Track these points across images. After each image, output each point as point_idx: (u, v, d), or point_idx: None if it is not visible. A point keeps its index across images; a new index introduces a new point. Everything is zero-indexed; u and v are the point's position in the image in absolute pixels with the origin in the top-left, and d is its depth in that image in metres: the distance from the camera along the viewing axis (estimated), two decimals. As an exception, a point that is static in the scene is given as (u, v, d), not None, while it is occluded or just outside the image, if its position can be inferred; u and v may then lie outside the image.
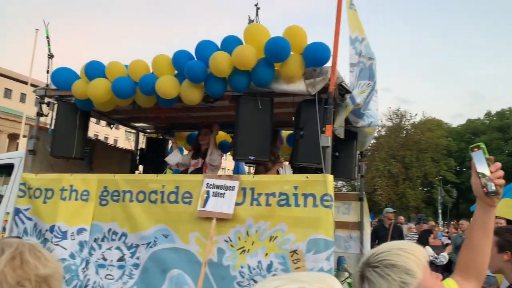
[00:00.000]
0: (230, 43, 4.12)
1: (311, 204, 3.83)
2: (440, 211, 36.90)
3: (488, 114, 59.69)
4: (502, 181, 1.48)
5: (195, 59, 4.27)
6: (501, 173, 1.49)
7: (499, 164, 1.50)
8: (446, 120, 66.65)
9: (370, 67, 4.43)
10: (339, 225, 5.46)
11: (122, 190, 4.54)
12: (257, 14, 5.05)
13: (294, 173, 5.11)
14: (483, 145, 1.54)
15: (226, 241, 4.04)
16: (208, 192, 4.18)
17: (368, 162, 41.03)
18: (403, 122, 45.10)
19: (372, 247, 9.62)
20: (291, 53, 3.98)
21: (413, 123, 46.25)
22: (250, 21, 5.23)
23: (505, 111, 57.73)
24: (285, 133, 6.34)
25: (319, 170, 4.01)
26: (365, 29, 4.58)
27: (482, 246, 1.57)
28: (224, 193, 4.12)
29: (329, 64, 3.99)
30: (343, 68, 4.31)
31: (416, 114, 51.74)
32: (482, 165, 1.50)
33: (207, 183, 4.21)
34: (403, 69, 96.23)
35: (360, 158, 5.94)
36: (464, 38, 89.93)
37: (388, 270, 1.25)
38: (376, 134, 45.90)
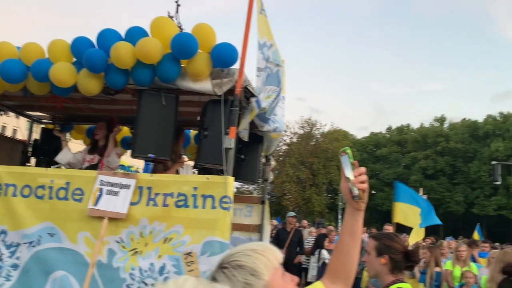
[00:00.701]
0: (135, 34, 3.92)
1: (210, 206, 3.76)
2: (340, 216, 39.10)
3: (389, 129, 64.48)
4: (365, 186, 1.50)
5: (96, 47, 4.00)
6: (364, 178, 1.50)
7: (362, 169, 1.52)
8: (352, 131, 70.93)
9: (277, 74, 4.49)
10: (240, 227, 5.46)
11: (4, 183, 4.11)
12: (177, 11, 4.89)
13: (200, 173, 5.01)
14: (349, 150, 1.56)
15: (118, 242, 3.82)
16: (101, 190, 3.93)
17: (279, 167, 42.18)
18: (313, 131, 47.07)
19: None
20: (199, 51, 3.89)
21: (323, 132, 48.52)
22: (170, 17, 5.07)
23: (404, 126, 62.81)
24: (193, 132, 6.22)
25: (222, 172, 3.96)
26: (277, 36, 4.64)
27: (349, 250, 1.58)
28: (118, 192, 3.89)
29: (237, 66, 3.97)
30: (251, 72, 4.32)
31: (326, 124, 54.32)
32: (348, 170, 1.52)
33: (101, 180, 3.96)
34: (318, 81, 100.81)
35: (265, 162, 6.01)
36: (374, 55, 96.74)
37: (235, 271, 1.24)
38: (288, 141, 47.48)
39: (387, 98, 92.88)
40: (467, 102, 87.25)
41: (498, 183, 30.66)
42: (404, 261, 2.39)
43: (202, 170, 4.79)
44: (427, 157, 53.73)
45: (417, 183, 46.32)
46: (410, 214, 7.90)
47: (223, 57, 3.86)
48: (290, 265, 8.44)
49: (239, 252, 1.31)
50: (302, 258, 9.32)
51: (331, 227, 12.54)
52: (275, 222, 18.83)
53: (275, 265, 1.28)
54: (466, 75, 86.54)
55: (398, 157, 57.78)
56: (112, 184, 3.94)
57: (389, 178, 55.36)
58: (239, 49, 3.90)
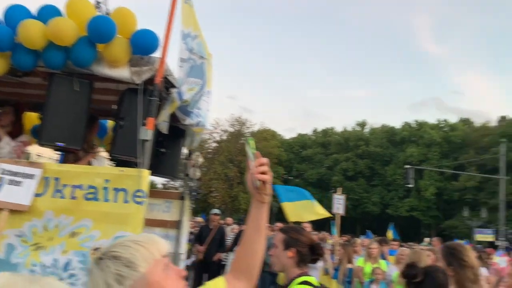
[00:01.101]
0: (48, 13, 3.62)
1: (122, 200, 3.58)
2: (265, 214, 39.76)
3: (315, 131, 66.73)
4: (265, 177, 1.46)
5: (3, 24, 3.64)
6: (263, 168, 1.47)
7: (263, 160, 1.48)
8: (280, 132, 72.46)
9: (202, 66, 4.38)
10: (157, 223, 5.27)
11: None
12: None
13: (117, 166, 4.76)
14: (251, 140, 1.52)
15: (19, 236, 3.51)
16: (1, 179, 3.58)
17: (208, 164, 41.94)
18: (243, 130, 47.39)
19: (194, 246, 9.71)
20: (117, 36, 3.68)
21: (252, 131, 49.01)
22: (98, 3, 4.78)
23: (328, 129, 65.31)
24: (111, 123, 5.91)
25: (137, 165, 3.79)
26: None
27: (253, 244, 1.54)
28: (21, 182, 3.57)
29: (158, 55, 3.81)
30: (173, 62, 4.17)
31: (255, 124, 54.98)
32: (252, 161, 1.49)
33: (2, 169, 3.61)
34: (250, 80, 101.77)
35: (188, 156, 5.87)
36: (306, 59, 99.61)
37: (110, 262, 1.18)
38: (218, 138, 47.44)
39: (315, 101, 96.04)
40: (387, 109, 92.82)
41: (411, 186, 32.90)
42: (310, 254, 2.41)
43: (120, 163, 4.56)
44: (348, 159, 56.35)
45: (338, 183, 48.39)
46: (303, 209, 7.99)
47: (143, 44, 3.69)
48: (209, 262, 8.36)
49: (119, 243, 1.24)
50: (222, 255, 9.29)
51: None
52: (200, 219, 18.62)
53: (157, 257, 1.22)
54: (387, 84, 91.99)
55: (322, 158, 59.97)
56: (15, 173, 3.61)
57: (312, 178, 57.30)
58: (162, 38, 3.76)
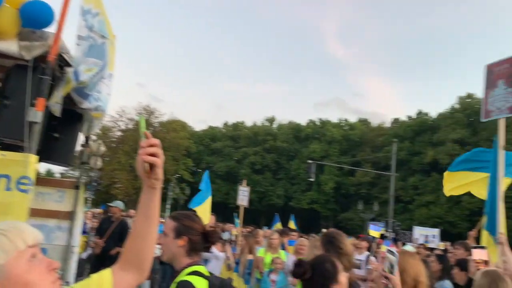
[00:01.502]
0: None
1: (4, 187, 3.20)
2: (169, 206, 39.20)
3: (225, 124, 67.04)
4: (154, 159, 1.35)
5: None
6: (153, 150, 1.36)
7: (153, 140, 1.37)
8: (191, 123, 71.67)
9: (102, 46, 4.09)
10: (49, 213, 4.86)
11: None
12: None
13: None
14: (142, 119, 1.40)
15: None
16: None
17: (111, 154, 39.98)
18: (151, 119, 45.95)
19: (90, 238, 9.15)
20: (4, 4, 3.28)
21: (161, 121, 47.74)
22: None
23: (239, 123, 66.04)
24: None
25: (23, 149, 3.42)
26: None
27: (144, 233, 1.43)
28: None
29: (53, 30, 3.47)
30: (70, 39, 3.79)
31: (165, 114, 53.61)
32: (142, 142, 1.38)
33: None
34: (162, 69, 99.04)
35: (85, 143, 5.48)
36: (221, 52, 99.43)
37: None
38: (123, 127, 45.41)
39: (227, 95, 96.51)
40: (295, 106, 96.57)
41: (312, 180, 34.51)
42: (203, 242, 2.31)
43: (4, 147, 4.10)
44: (257, 153, 57.61)
45: (245, 176, 49.25)
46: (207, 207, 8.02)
47: (35, 17, 3.33)
48: (107, 256, 7.95)
49: None
50: (122, 249, 8.87)
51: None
52: (100, 210, 17.66)
53: (20, 247, 1.09)
54: (296, 82, 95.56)
55: (231, 152, 60.51)
56: None
57: (221, 171, 57.60)
58: (58, 12, 3.42)
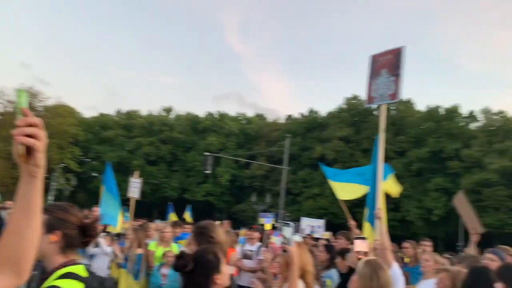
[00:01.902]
0: None
1: None
2: (52, 198, 36.20)
3: (118, 112, 63.89)
4: (31, 141, 1.15)
5: None
6: (30, 130, 1.15)
7: (32, 119, 1.16)
8: (80, 109, 66.98)
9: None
10: None
11: None
12: None
13: None
14: (22, 92, 1.18)
15: None
16: None
17: (-15, 139, 35.78)
18: (34, 103, 41.98)
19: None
20: None
21: (46, 106, 43.91)
22: None
23: (133, 112, 63.41)
24: None
25: None
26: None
27: (22, 229, 1.22)
28: None
29: None
30: None
31: (50, 98, 49.28)
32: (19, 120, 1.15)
33: None
34: (49, 50, 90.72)
35: None
36: (115, 37, 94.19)
37: None
38: (2, 110, 40.78)
39: (121, 82, 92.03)
40: (194, 98, 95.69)
41: (209, 172, 34.55)
42: (80, 237, 2.02)
43: None
44: (151, 144, 55.84)
45: (138, 168, 47.48)
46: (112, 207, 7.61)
47: None
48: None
49: None
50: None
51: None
52: (-32, 202, 15.72)
53: None
54: (195, 74, 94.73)
55: (123, 141, 57.92)
56: None
57: (112, 161, 54.83)
58: None
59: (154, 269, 6.14)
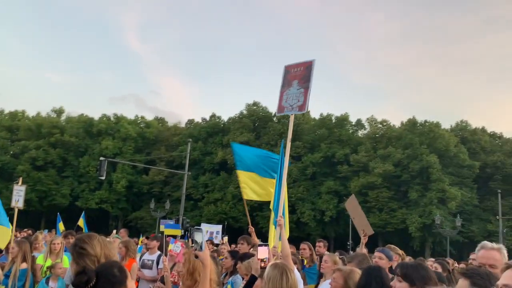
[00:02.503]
0: None
1: None
2: None
3: (1, 113, 57.90)
4: None
5: None
6: None
7: None
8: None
9: None
10: None
11: None
12: None
13: None
14: None
15: None
16: None
17: None
18: None
19: None
20: None
21: None
22: None
23: (18, 112, 57.89)
24: None
25: None
26: None
27: None
28: None
29: None
30: None
31: None
32: None
33: None
34: None
35: None
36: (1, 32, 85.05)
37: None
38: None
39: (5, 81, 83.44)
40: (87, 99, 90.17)
41: (103, 178, 32.70)
42: None
43: None
44: (39, 148, 51.39)
45: (24, 173, 43.31)
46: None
47: None
48: None
49: None
50: None
51: None
52: None
53: None
54: (89, 74, 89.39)
55: (6, 144, 52.50)
56: None
57: (-9, 167, 49.37)
58: None
59: (40, 283, 5.57)
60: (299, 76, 5.37)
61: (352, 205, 6.76)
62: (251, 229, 6.79)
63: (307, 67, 5.33)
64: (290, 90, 5.39)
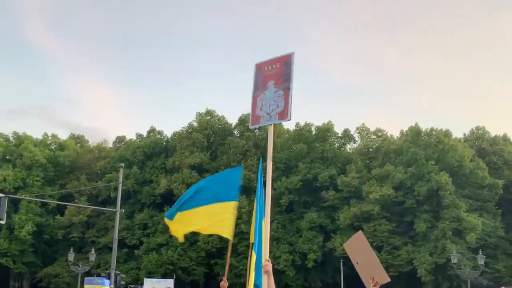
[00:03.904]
0: None
1: None
2: None
3: None
4: None
5: None
6: None
7: None
8: None
9: None
10: None
11: None
12: None
13: None
14: None
15: None
16: None
17: None
18: None
19: None
20: None
21: None
22: None
23: None
24: None
25: None
26: None
27: None
28: None
29: None
30: None
31: None
32: None
33: None
34: None
35: None
36: None
37: None
38: None
39: None
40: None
41: (2, 222, 31.81)
42: None
43: None
44: None
45: None
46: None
47: None
48: None
49: None
50: None
51: None
52: None
53: None
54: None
55: None
56: None
57: None
58: None
59: None
60: (275, 75, 5.51)
61: (358, 245, 6.32)
62: (224, 285, 6.31)
63: (285, 62, 5.47)
64: (266, 94, 5.53)
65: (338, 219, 44.41)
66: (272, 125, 5.60)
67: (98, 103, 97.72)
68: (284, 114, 5.38)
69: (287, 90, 5.39)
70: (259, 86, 5.68)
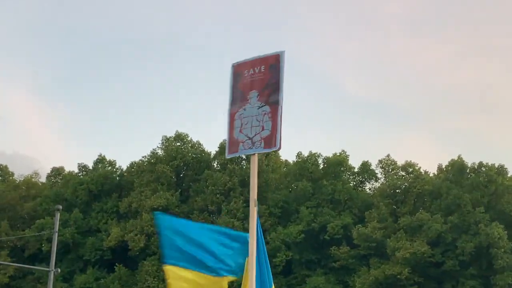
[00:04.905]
0: None
1: None
2: None
3: None
4: None
5: None
6: None
7: None
8: None
9: None
10: None
11: None
12: None
13: None
14: None
15: None
16: None
17: None
18: None
19: None
20: None
21: None
22: None
23: None
24: None
25: None
26: None
27: None
28: None
29: None
30: None
31: None
32: None
33: None
34: None
35: None
36: None
37: None
38: None
39: None
40: None
41: None
42: None
43: None
44: None
45: None
46: None
47: None
48: None
49: None
50: None
51: None
52: None
53: None
54: None
55: None
56: None
57: None
58: None
59: None
60: (259, 83, 5.50)
61: None
62: None
63: (271, 65, 5.43)
64: (246, 109, 5.56)
65: (353, 286, 43.07)
66: (255, 155, 5.59)
67: (28, 123, 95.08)
68: (271, 140, 5.34)
69: (275, 105, 5.37)
70: (237, 97, 5.67)
